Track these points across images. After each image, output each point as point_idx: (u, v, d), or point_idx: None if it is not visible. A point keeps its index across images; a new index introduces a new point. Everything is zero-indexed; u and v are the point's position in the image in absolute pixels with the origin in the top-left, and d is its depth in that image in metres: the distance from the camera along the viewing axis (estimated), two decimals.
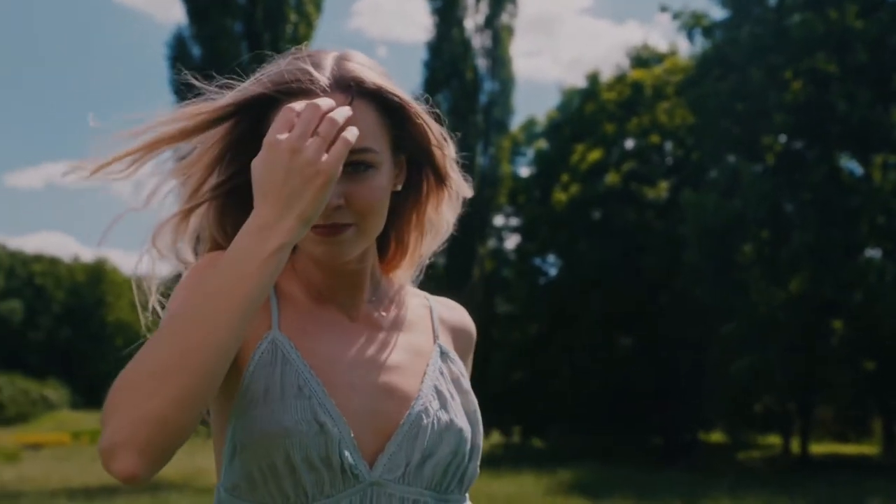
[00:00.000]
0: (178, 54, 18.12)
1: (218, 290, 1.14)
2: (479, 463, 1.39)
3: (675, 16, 21.01)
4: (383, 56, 66.07)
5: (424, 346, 1.43)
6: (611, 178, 23.50)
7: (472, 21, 23.37)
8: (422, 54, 39.68)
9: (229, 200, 1.40)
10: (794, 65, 18.63)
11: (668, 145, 24.87)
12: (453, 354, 1.44)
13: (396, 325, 1.43)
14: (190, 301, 1.17)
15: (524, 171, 27.88)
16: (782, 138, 19.72)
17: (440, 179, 1.43)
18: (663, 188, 23.11)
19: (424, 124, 1.38)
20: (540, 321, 24.63)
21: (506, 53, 23.05)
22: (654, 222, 22.54)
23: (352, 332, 1.37)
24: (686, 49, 27.67)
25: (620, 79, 25.86)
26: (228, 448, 1.27)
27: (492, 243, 25.30)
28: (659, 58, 26.52)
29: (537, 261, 26.21)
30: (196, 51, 17.77)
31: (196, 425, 1.15)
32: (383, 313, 1.43)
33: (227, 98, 1.33)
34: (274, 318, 1.33)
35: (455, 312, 1.54)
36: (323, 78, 1.29)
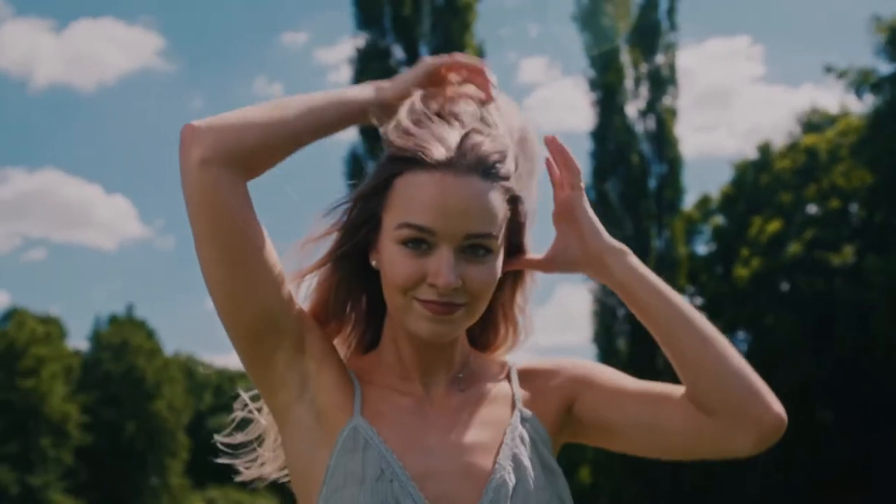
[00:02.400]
0: (354, 170, 19.19)
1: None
2: None
3: (841, 75, 20.59)
4: None
5: (502, 415, 1.40)
6: (793, 247, 22.91)
7: (634, 107, 23.57)
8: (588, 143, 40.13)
9: (344, 265, 1.43)
10: None
11: (853, 208, 24.09)
12: (535, 419, 1.42)
13: (475, 400, 1.41)
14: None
15: (702, 249, 27.52)
16: None
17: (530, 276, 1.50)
18: (849, 253, 22.33)
19: (526, 213, 1.42)
20: None
21: (671, 135, 23.06)
22: (843, 289, 21.75)
23: (430, 416, 1.38)
24: (858, 107, 26.97)
25: (793, 146, 25.37)
26: None
27: None
28: (831, 120, 25.89)
29: (729, 338, 25.59)
30: (371, 166, 18.73)
31: (272, 158, 1.36)
32: (463, 390, 1.42)
33: (368, 188, 1.38)
34: (357, 403, 1.36)
35: (527, 364, 1.52)
36: (457, 151, 1.29)
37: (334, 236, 1.41)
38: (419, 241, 1.28)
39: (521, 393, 1.45)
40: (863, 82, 20.44)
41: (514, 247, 1.43)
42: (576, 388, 1.45)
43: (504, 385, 1.46)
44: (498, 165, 1.31)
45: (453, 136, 1.30)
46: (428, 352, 1.39)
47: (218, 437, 1.51)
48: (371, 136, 18.58)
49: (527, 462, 1.34)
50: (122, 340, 54.14)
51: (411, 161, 1.29)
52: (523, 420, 1.40)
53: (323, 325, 1.44)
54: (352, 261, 1.41)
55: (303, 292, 1.44)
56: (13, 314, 52.46)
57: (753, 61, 63.71)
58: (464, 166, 1.28)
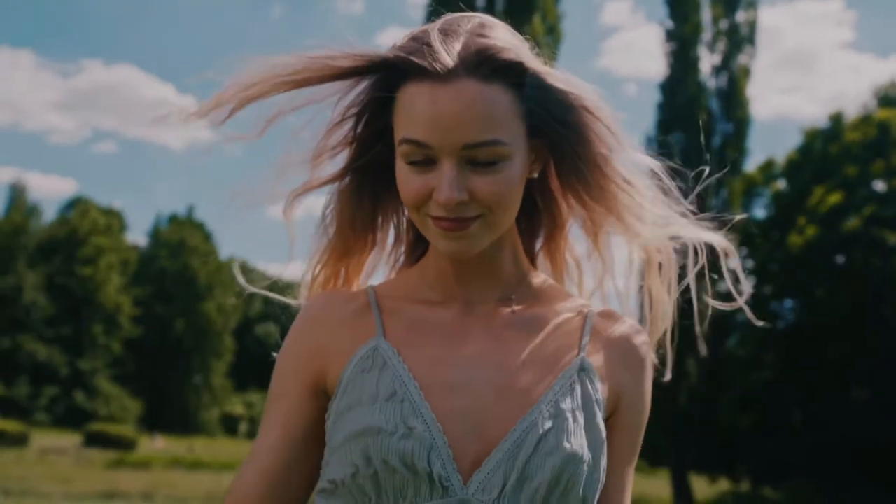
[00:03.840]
0: None
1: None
2: (596, 501, 1.24)
3: None
4: (632, 94, 65.99)
5: (562, 356, 1.26)
6: (852, 221, 22.67)
7: (709, 62, 23.30)
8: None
9: (365, 178, 1.35)
10: None
11: None
12: (594, 374, 1.26)
13: (531, 325, 1.29)
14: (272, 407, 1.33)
15: (760, 213, 27.30)
16: None
17: (602, 176, 1.27)
18: None
19: (570, 106, 1.26)
20: (773, 367, 24.02)
21: (742, 94, 22.79)
22: (894, 270, 21.54)
23: (470, 329, 1.28)
24: None
25: (865, 119, 24.93)
26: (326, 452, 1.26)
27: (724, 286, 24.92)
28: None
29: (773, 305, 25.56)
30: None
31: None
32: (517, 310, 1.31)
33: (352, 52, 1.28)
34: (378, 327, 1.29)
35: (621, 326, 1.33)
36: (448, 58, 1.19)
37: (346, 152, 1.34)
38: (421, 160, 1.21)
39: (590, 341, 1.29)
40: None
41: (562, 142, 1.26)
42: (617, 414, 1.30)
43: (573, 323, 1.31)
44: (495, 58, 1.20)
45: (447, 42, 1.21)
46: (467, 264, 1.29)
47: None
48: None
49: (569, 414, 1.21)
50: (180, 240, 55.19)
51: (404, 72, 1.22)
52: (581, 370, 1.25)
53: (355, 240, 1.39)
54: (376, 173, 1.34)
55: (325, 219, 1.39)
56: (77, 203, 53.65)
57: (844, 26, 62.15)
58: (455, 72, 1.19)
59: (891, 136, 23.71)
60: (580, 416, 1.21)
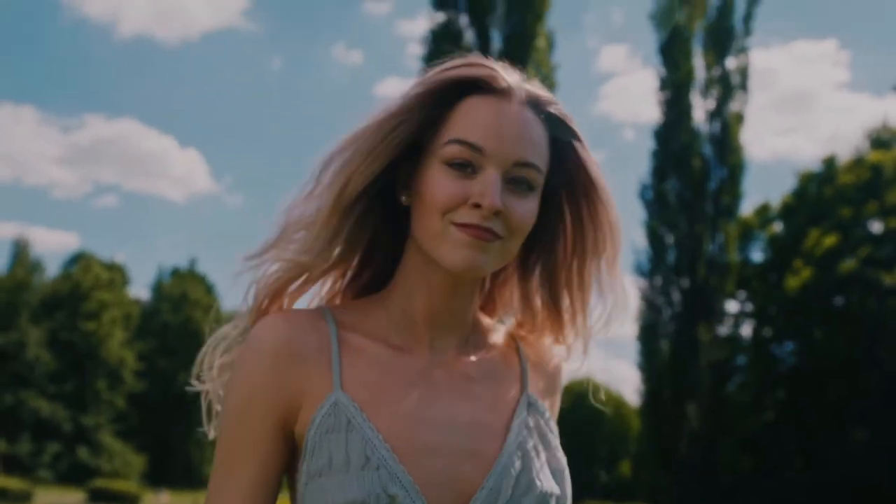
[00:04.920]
0: None
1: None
2: None
3: None
4: (630, 138, 66.54)
5: (510, 397, 1.31)
6: (847, 263, 22.89)
7: (703, 108, 23.65)
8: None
9: (373, 206, 1.31)
10: None
11: None
12: (541, 405, 1.33)
13: (484, 373, 1.32)
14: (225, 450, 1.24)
15: (758, 256, 27.53)
16: None
17: (603, 228, 1.33)
18: None
19: (596, 170, 1.32)
20: (774, 409, 24.09)
21: (735, 140, 23.11)
22: (892, 310, 21.71)
23: (435, 385, 1.28)
24: None
25: (858, 161, 25.25)
26: None
27: (724, 330, 25.10)
28: None
29: (773, 348, 25.69)
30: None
31: None
32: (473, 359, 1.33)
33: (421, 83, 1.27)
34: (336, 375, 1.24)
35: (537, 351, 1.41)
36: (513, 81, 1.25)
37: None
38: (465, 164, 1.22)
39: (528, 374, 1.36)
40: None
41: (573, 204, 1.34)
42: None
43: (514, 361, 1.36)
44: (545, 101, 1.27)
45: (514, 74, 1.27)
46: (445, 306, 1.29)
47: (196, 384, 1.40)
48: None
49: (532, 451, 1.26)
50: (182, 293, 55.40)
51: (473, 86, 1.25)
52: (530, 405, 1.31)
53: (326, 260, 1.32)
54: (383, 198, 1.32)
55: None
56: (80, 258, 53.91)
57: (839, 66, 62.92)
58: (522, 98, 1.24)
59: (883, 177, 24.00)
60: (542, 451, 1.27)
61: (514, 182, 1.22)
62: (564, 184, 1.32)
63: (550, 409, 1.37)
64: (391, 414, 1.21)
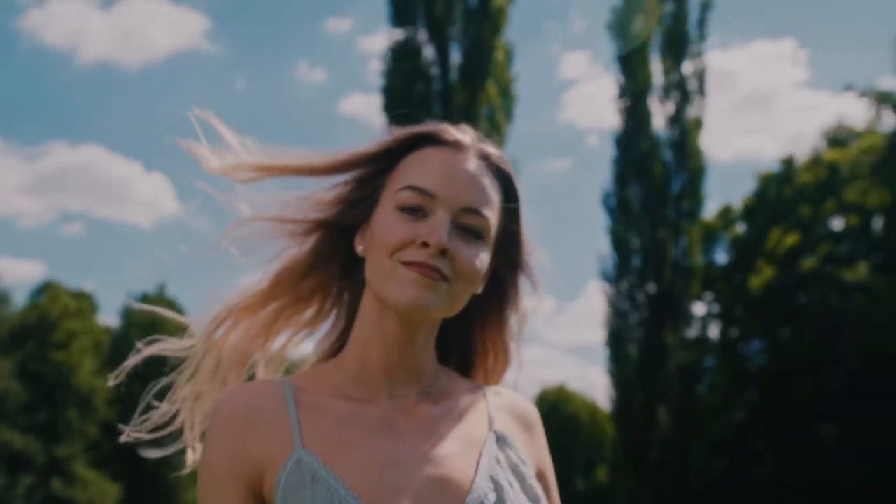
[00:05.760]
0: None
1: None
2: None
3: (862, 94, 20.81)
4: (594, 144, 66.81)
5: (478, 434, 1.33)
6: (808, 261, 23.25)
7: (662, 114, 23.95)
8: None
9: (341, 241, 1.39)
10: None
11: (876, 223, 24.35)
12: (512, 439, 1.35)
13: (448, 414, 1.34)
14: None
15: (722, 258, 27.86)
16: None
17: (519, 292, 1.43)
18: (863, 270, 22.64)
19: (525, 236, 1.40)
20: (744, 409, 24.35)
21: (694, 145, 23.41)
22: (853, 306, 22.08)
23: (398, 428, 1.30)
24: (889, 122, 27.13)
25: (816, 160, 25.65)
26: None
27: (691, 333, 25.34)
28: (856, 135, 26.14)
29: (743, 348, 25.97)
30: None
31: None
32: (436, 402, 1.35)
33: (376, 145, 1.36)
34: (295, 435, 1.26)
35: (506, 397, 1.44)
36: (465, 136, 1.34)
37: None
38: (417, 208, 1.27)
39: (496, 415, 1.39)
40: (885, 101, 20.64)
41: (510, 262, 1.41)
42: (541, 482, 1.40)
43: (480, 404, 1.39)
44: (501, 165, 1.34)
45: (469, 131, 1.36)
46: (400, 355, 1.32)
47: (127, 430, 1.50)
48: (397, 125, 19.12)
49: (505, 483, 1.27)
50: (152, 319, 55.06)
51: (425, 139, 1.33)
52: (499, 440, 1.33)
53: (296, 297, 1.42)
54: (335, 239, 1.39)
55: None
56: (47, 287, 53.52)
57: (798, 65, 63.80)
58: (475, 151, 1.32)
59: (841, 175, 24.40)
60: (515, 482, 1.29)
61: (464, 229, 1.28)
62: (503, 243, 1.38)
63: (530, 447, 1.39)
64: (354, 462, 1.24)
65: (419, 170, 1.30)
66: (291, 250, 1.39)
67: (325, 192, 1.40)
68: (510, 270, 1.41)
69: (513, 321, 1.46)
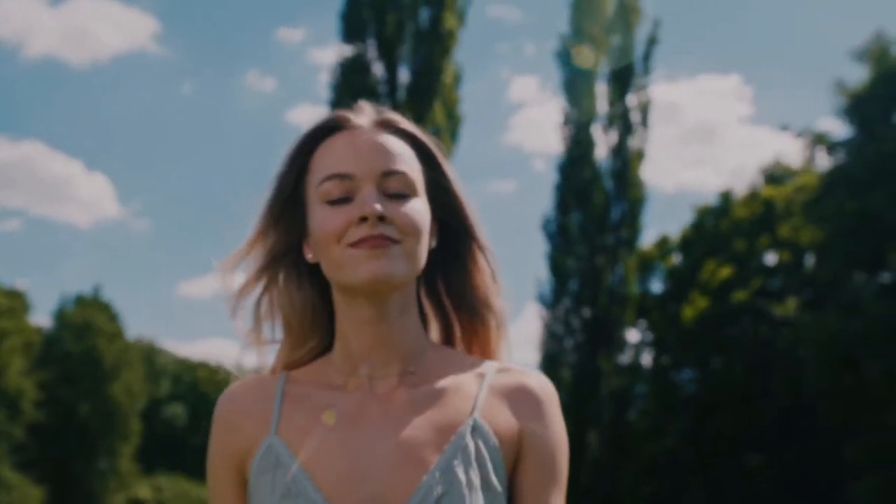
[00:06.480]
0: None
1: None
2: None
3: (799, 135, 21.34)
4: (540, 168, 67.25)
5: (456, 421, 1.30)
6: (740, 294, 23.78)
7: (605, 144, 24.32)
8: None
9: (290, 270, 1.40)
10: None
11: (808, 261, 24.98)
12: (488, 433, 1.30)
13: (428, 397, 1.32)
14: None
15: (658, 287, 28.34)
16: None
17: (475, 241, 1.42)
18: (792, 305, 23.22)
19: (453, 181, 1.41)
20: (674, 436, 24.77)
21: (635, 176, 23.81)
22: (781, 340, 22.64)
23: (368, 412, 1.31)
24: (824, 162, 27.86)
25: (753, 196, 26.27)
26: None
27: (624, 359, 25.73)
28: (792, 174, 26.81)
29: (674, 376, 26.44)
30: None
31: None
32: (415, 385, 1.34)
33: (284, 163, 1.38)
34: (273, 422, 1.32)
35: (515, 376, 1.37)
36: (362, 115, 1.36)
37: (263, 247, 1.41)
38: (342, 198, 1.30)
39: (485, 399, 1.33)
40: (819, 143, 21.20)
41: (448, 210, 1.42)
42: (524, 455, 1.34)
43: (470, 386, 1.35)
44: (405, 126, 1.37)
45: (356, 110, 1.38)
46: (375, 335, 1.33)
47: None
48: None
49: (462, 476, 1.24)
50: (85, 321, 54.23)
51: (325, 130, 1.36)
52: (474, 430, 1.29)
53: (298, 343, 1.44)
54: (292, 260, 1.41)
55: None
56: None
57: (743, 101, 65.13)
58: (371, 122, 1.36)
59: (776, 211, 25.01)
60: (475, 477, 1.25)
61: (391, 193, 1.30)
62: (435, 196, 1.40)
63: (523, 433, 1.33)
64: (315, 449, 1.27)
65: (328, 161, 1.33)
66: (282, 303, 1.41)
67: (249, 237, 1.42)
68: (453, 219, 1.42)
69: (485, 279, 1.43)
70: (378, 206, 1.26)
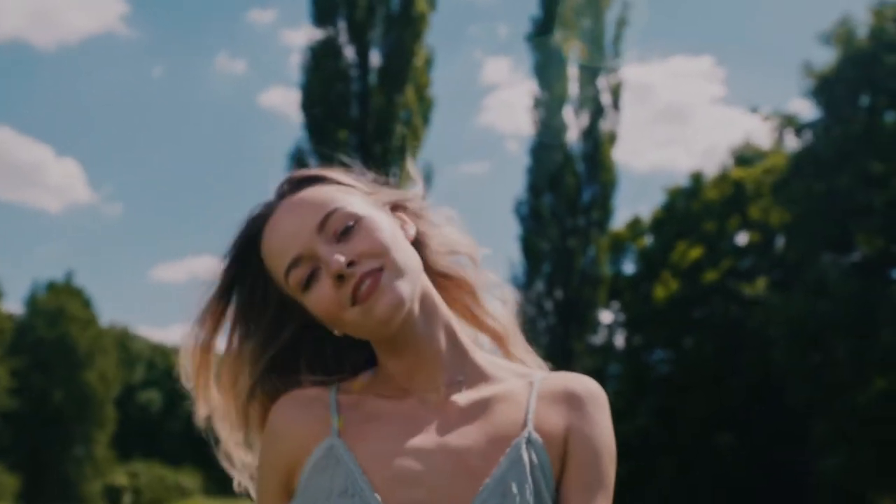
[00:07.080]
0: (299, 166, 19.66)
1: None
2: None
3: (766, 118, 21.52)
4: (514, 150, 67.32)
5: (510, 431, 1.32)
6: (710, 274, 24.04)
7: (576, 127, 24.45)
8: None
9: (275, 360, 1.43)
10: (888, 164, 18.94)
11: (777, 241, 25.26)
12: (541, 445, 1.31)
13: (481, 406, 1.34)
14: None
15: (630, 268, 28.58)
16: (874, 239, 19.94)
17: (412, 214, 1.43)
18: (761, 285, 23.50)
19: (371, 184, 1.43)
20: (646, 415, 25.04)
21: (606, 158, 23.97)
22: (750, 320, 22.92)
23: (424, 419, 1.32)
24: (792, 143, 28.12)
25: (723, 177, 26.51)
26: None
27: (597, 340, 25.96)
28: (762, 155, 27.06)
29: (645, 356, 26.72)
30: (314, 163, 19.21)
31: None
32: (465, 394, 1.35)
33: (220, 279, 1.40)
34: (333, 425, 1.33)
35: (561, 380, 1.39)
36: (272, 198, 1.38)
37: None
38: (309, 277, 1.30)
39: (536, 409, 1.35)
40: (787, 125, 21.40)
41: (412, 213, 1.44)
42: (569, 457, 1.34)
43: (521, 395, 1.36)
44: (300, 176, 1.39)
45: (274, 190, 1.40)
46: (415, 357, 1.35)
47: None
48: (315, 130, 19.15)
49: (515, 490, 1.25)
50: (58, 307, 53.94)
51: (256, 227, 1.39)
52: (529, 442, 1.30)
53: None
54: (293, 332, 1.44)
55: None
56: None
57: (715, 82, 65.53)
58: (287, 191, 1.38)
59: (746, 192, 25.26)
60: (528, 492, 1.25)
61: (340, 234, 1.30)
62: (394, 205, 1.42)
63: (568, 434, 1.34)
64: (373, 451, 1.29)
65: (275, 256, 1.34)
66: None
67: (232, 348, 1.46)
68: (417, 220, 1.43)
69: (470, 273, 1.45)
70: (338, 258, 1.26)
